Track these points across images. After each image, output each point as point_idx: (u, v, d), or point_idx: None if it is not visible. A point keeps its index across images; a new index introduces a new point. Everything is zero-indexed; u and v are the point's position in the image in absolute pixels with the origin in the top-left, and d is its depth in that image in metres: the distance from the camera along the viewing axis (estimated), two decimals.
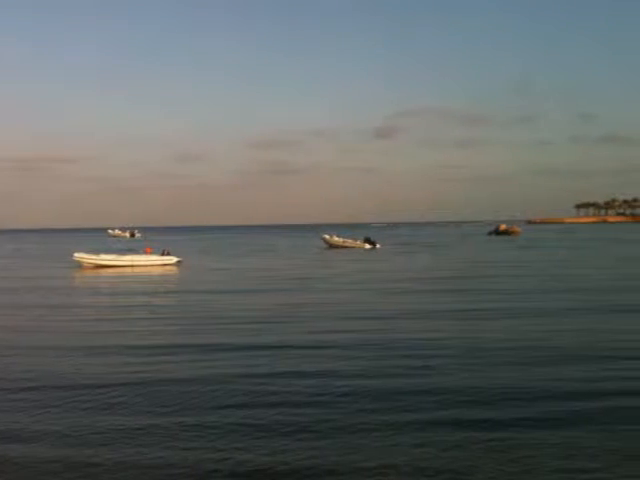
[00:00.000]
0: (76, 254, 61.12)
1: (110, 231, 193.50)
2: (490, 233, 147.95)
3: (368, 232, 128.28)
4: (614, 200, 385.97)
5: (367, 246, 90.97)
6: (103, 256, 60.89)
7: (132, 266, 58.34)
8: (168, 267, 58.37)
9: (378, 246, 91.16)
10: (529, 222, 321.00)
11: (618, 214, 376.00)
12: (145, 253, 62.65)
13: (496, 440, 11.39)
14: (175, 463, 10.62)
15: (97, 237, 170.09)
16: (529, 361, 17.46)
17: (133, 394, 14.75)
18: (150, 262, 59.95)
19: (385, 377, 15.98)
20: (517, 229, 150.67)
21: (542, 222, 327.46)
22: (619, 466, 10.24)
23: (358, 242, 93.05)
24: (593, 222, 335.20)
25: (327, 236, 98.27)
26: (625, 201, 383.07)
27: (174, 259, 60.56)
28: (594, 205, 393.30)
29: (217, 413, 13.18)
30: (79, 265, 59.34)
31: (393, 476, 10.03)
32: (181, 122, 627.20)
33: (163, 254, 61.24)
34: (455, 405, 13.47)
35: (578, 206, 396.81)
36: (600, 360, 17.44)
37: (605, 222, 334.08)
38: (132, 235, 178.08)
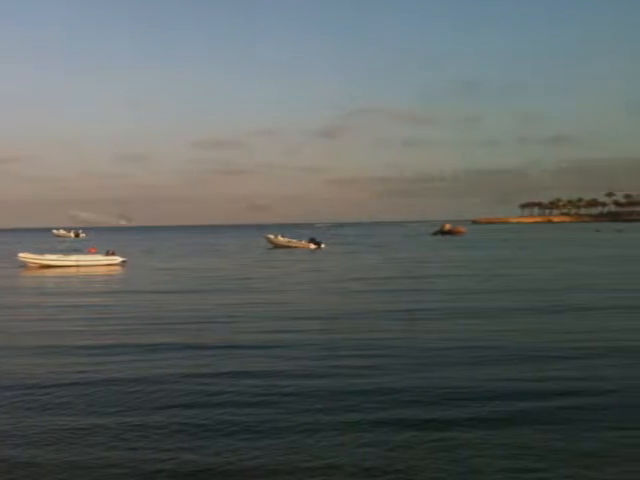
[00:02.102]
0: (21, 254, 60.74)
1: (55, 231, 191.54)
2: (435, 233, 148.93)
3: (312, 232, 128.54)
4: (558, 200, 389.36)
5: (312, 246, 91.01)
6: (48, 256, 60.35)
7: (77, 266, 57.89)
8: (113, 267, 58.04)
9: (323, 246, 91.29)
10: (474, 222, 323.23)
11: (563, 214, 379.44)
12: (89, 253, 62.25)
13: (441, 440, 11.49)
14: (119, 463, 10.60)
15: (41, 237, 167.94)
16: (473, 361, 17.62)
17: (78, 394, 14.67)
18: (95, 262, 59.58)
19: (330, 377, 16.05)
20: (462, 229, 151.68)
21: (487, 222, 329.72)
22: (563, 466, 10.40)
23: (303, 242, 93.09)
24: (538, 222, 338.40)
25: (271, 236, 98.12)
26: (569, 201, 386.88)
27: (119, 259, 60.32)
28: (539, 205, 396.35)
29: (162, 413, 13.16)
30: (24, 265, 58.82)
31: (338, 476, 10.10)
32: (125, 122, 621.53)
33: (108, 254, 60.93)
34: (400, 405, 13.57)
35: (523, 206, 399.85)
36: (544, 360, 17.64)
37: (550, 222, 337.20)
38: (77, 235, 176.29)
